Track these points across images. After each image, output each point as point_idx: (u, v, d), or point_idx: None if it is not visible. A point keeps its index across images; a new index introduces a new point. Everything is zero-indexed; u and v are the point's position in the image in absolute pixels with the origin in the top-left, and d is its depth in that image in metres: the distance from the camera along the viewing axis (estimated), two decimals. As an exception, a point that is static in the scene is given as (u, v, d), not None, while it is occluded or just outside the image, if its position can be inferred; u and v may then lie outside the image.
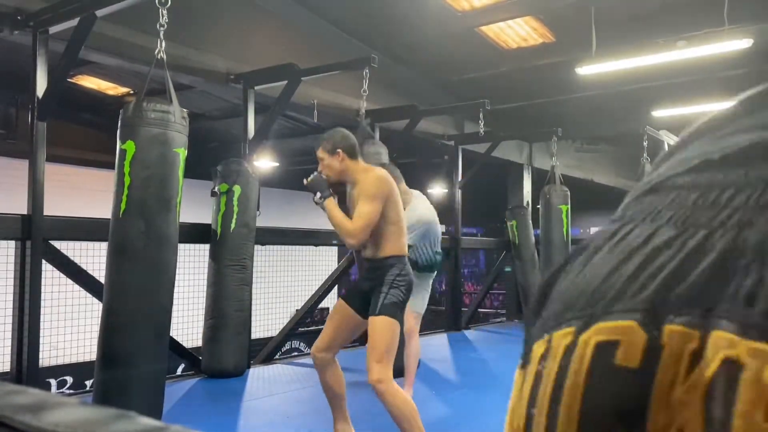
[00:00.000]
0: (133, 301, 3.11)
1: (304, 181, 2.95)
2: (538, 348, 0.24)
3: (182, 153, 3.27)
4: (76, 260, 4.25)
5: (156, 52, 3.24)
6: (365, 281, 2.91)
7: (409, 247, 4.21)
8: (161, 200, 3.17)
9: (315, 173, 2.93)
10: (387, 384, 2.71)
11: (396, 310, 2.77)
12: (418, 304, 4.19)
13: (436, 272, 4.41)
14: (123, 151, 3.10)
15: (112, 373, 3.04)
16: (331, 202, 2.83)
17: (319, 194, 2.86)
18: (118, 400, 3.02)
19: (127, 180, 3.09)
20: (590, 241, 0.26)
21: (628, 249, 0.23)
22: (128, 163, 3.09)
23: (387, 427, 3.53)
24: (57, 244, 4.03)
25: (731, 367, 0.19)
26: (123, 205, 3.09)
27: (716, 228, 0.21)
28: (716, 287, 0.20)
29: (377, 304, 2.76)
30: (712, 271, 0.20)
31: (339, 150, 2.87)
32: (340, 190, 2.97)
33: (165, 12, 3.17)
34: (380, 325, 2.74)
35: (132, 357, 3.06)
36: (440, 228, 4.46)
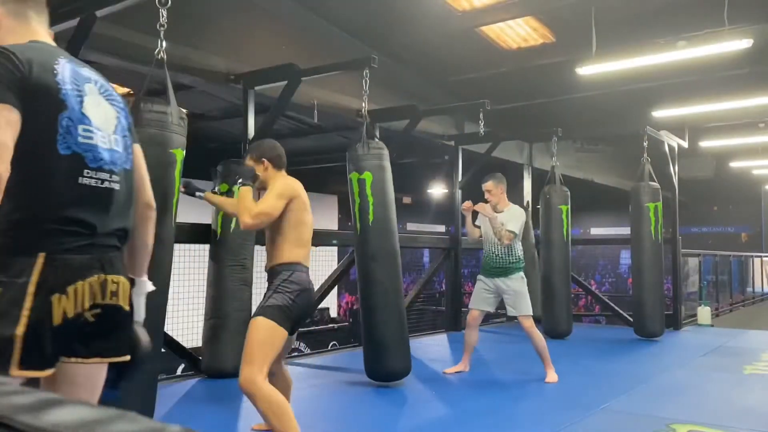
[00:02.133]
0: None
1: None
2: None
3: (179, 154, 3.26)
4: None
5: (156, 52, 3.23)
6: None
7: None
8: (156, 201, 3.16)
9: (248, 164, 3.03)
10: (254, 386, 2.65)
11: (275, 313, 2.69)
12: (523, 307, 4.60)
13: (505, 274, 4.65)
14: None
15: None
16: (248, 190, 2.88)
17: (240, 179, 2.93)
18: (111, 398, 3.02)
19: None
20: None
21: None
22: None
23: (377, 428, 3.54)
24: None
25: None
26: None
27: None
28: None
29: (258, 306, 2.77)
30: None
31: (264, 159, 2.99)
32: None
33: (165, 12, 3.16)
34: (254, 326, 2.71)
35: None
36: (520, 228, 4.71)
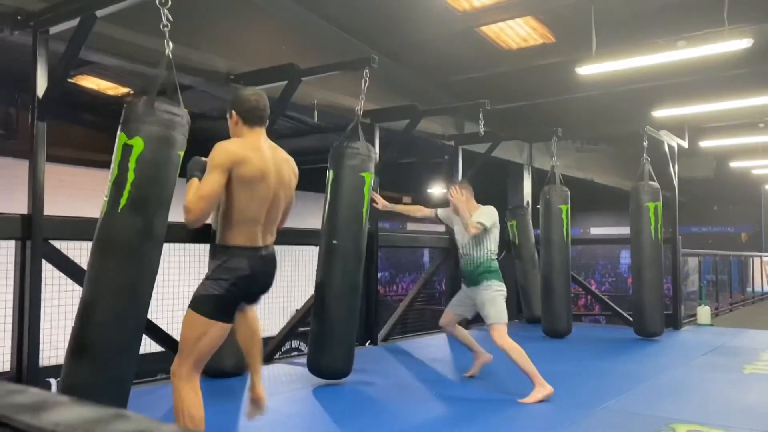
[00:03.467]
0: (116, 299, 3.09)
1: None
2: None
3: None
4: (76, 260, 4.25)
5: (166, 53, 3.22)
6: None
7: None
8: (161, 200, 3.17)
9: (195, 156, 2.75)
10: (178, 379, 2.54)
11: (205, 304, 2.50)
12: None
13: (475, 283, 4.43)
14: (129, 147, 3.05)
15: (82, 364, 3.04)
16: (195, 181, 2.57)
17: (189, 174, 2.65)
18: (83, 392, 3.01)
19: (130, 176, 3.06)
20: None
21: None
22: (134, 160, 3.05)
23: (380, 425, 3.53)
24: (57, 244, 4.03)
25: None
26: (123, 201, 3.06)
27: None
28: None
29: (194, 292, 2.56)
30: None
31: (233, 111, 2.70)
32: None
33: (167, 12, 3.16)
34: (185, 319, 2.55)
35: (105, 350, 3.05)
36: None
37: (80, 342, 3.05)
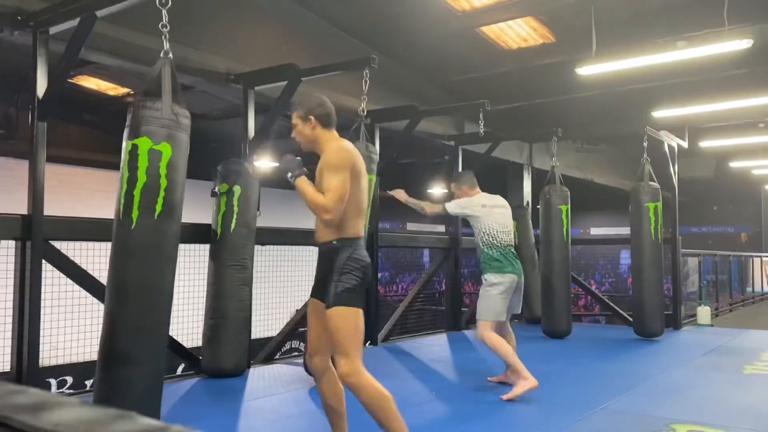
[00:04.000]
0: (149, 304, 3.09)
1: (277, 164, 2.82)
2: None
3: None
4: (76, 260, 4.25)
5: (162, 53, 3.21)
6: (319, 268, 2.79)
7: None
8: (180, 204, 3.19)
9: (288, 155, 2.81)
10: (355, 377, 2.57)
11: (351, 297, 2.61)
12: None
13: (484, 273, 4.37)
14: (157, 153, 3.03)
15: (113, 373, 3.04)
16: (303, 180, 2.68)
17: (289, 173, 2.72)
18: (117, 401, 3.01)
19: (163, 182, 3.05)
20: None
21: None
22: (164, 166, 3.05)
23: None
24: (57, 244, 4.03)
25: None
26: (159, 208, 3.05)
27: None
28: None
29: (330, 294, 2.62)
30: None
31: (312, 117, 2.77)
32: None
33: (166, 13, 3.16)
34: (336, 317, 2.60)
35: (130, 358, 3.05)
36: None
37: (114, 352, 3.04)
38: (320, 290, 2.75)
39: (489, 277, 4.27)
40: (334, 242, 2.70)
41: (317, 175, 2.74)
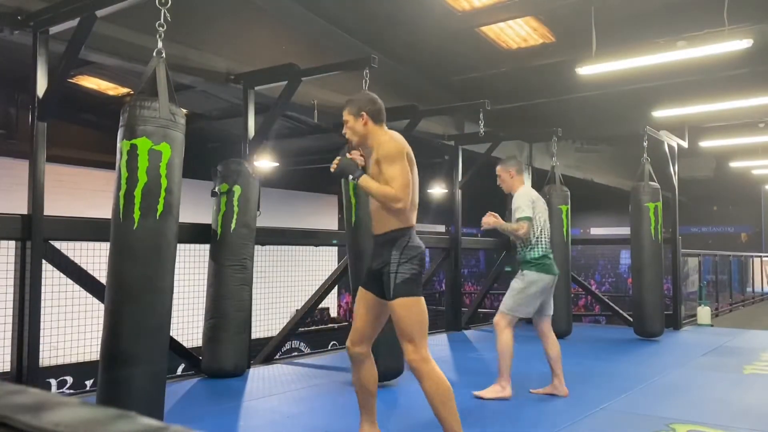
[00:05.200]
0: (150, 303, 3.09)
1: (331, 169, 2.88)
2: None
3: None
4: (76, 260, 4.25)
5: (155, 51, 3.21)
6: (375, 260, 2.82)
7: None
8: (178, 204, 3.19)
9: (339, 156, 2.88)
10: (421, 362, 2.62)
11: (411, 287, 2.67)
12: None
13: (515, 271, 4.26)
14: (157, 153, 3.04)
15: (115, 373, 3.04)
16: (366, 179, 2.76)
17: (351, 176, 2.79)
18: (120, 401, 3.01)
19: (164, 182, 3.06)
20: None
21: None
22: (164, 166, 3.06)
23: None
24: (57, 244, 4.03)
25: None
26: (161, 208, 3.06)
27: None
28: None
29: (390, 286, 2.68)
30: None
31: (364, 113, 2.83)
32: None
33: (166, 12, 3.16)
34: (399, 308, 2.65)
35: (134, 358, 3.05)
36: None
37: (116, 352, 3.04)
38: (373, 282, 2.81)
39: (530, 275, 4.10)
40: (390, 233, 2.75)
41: (372, 168, 2.80)
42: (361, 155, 2.96)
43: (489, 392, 4.06)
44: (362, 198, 4.32)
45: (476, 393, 4.06)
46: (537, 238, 4.17)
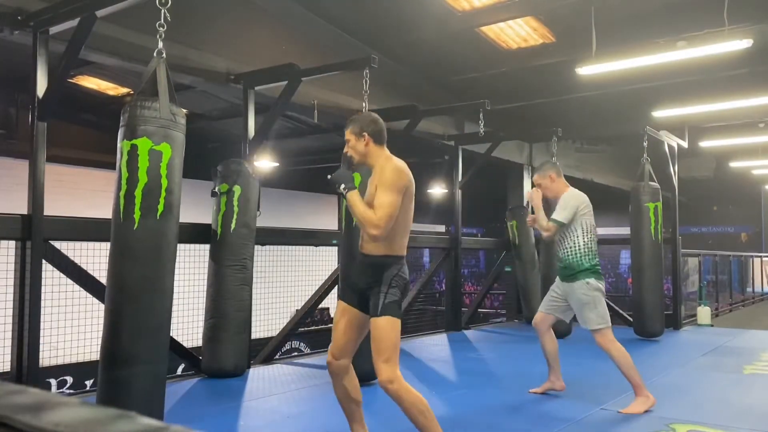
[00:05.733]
0: (150, 303, 3.09)
1: (329, 176, 2.91)
2: None
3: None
4: (76, 260, 4.25)
5: (156, 51, 3.21)
6: (361, 277, 2.86)
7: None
8: (178, 204, 3.19)
9: (339, 168, 2.92)
10: (397, 383, 2.68)
11: (397, 309, 2.76)
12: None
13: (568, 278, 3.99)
14: (157, 153, 3.04)
15: (115, 373, 3.04)
16: (355, 194, 2.79)
17: (343, 185, 2.82)
18: (120, 401, 3.01)
19: (164, 182, 3.06)
20: None
21: None
22: (165, 166, 3.06)
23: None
24: (57, 244, 4.03)
25: None
26: (161, 208, 3.06)
27: None
28: None
29: (378, 304, 2.73)
30: None
31: (365, 133, 2.87)
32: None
33: (166, 12, 3.16)
34: (384, 326, 2.71)
35: (133, 358, 3.05)
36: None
37: (116, 352, 3.04)
38: (358, 298, 2.85)
39: (594, 282, 3.88)
40: (385, 257, 2.80)
41: (369, 187, 2.86)
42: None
43: (634, 407, 3.76)
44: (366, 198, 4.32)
45: (623, 410, 3.75)
46: (593, 243, 4.01)
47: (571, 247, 3.96)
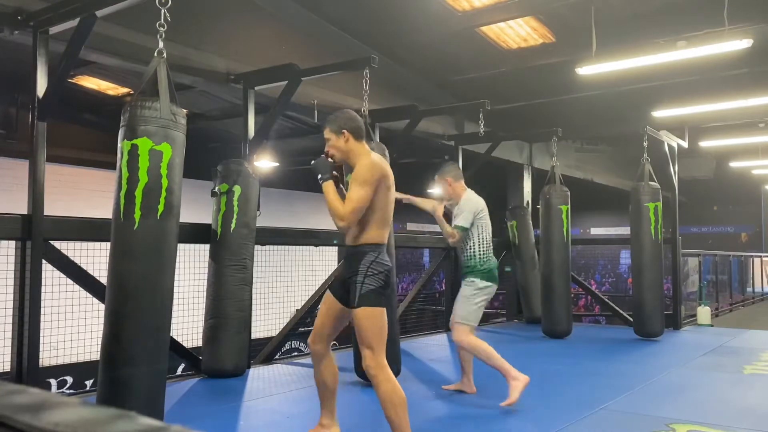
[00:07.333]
0: (151, 303, 3.10)
1: (312, 162, 3.01)
2: None
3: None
4: (76, 260, 4.25)
5: (156, 51, 3.21)
6: (343, 268, 2.97)
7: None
8: (179, 204, 3.19)
9: (321, 156, 2.99)
10: (378, 369, 2.76)
11: (375, 297, 2.80)
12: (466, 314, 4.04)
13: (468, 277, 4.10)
14: (158, 153, 3.04)
15: (115, 373, 3.04)
16: (329, 185, 2.89)
17: (320, 175, 2.91)
18: (120, 401, 3.01)
19: (164, 182, 3.06)
20: None
21: None
22: (165, 166, 3.06)
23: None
24: (57, 244, 4.03)
25: None
26: (161, 208, 3.06)
27: None
28: None
29: (355, 294, 2.81)
30: None
31: (345, 130, 2.92)
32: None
33: (166, 12, 3.16)
34: (362, 316, 2.79)
35: (134, 358, 3.05)
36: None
37: (116, 352, 3.04)
38: (340, 288, 2.97)
39: (478, 282, 4.02)
40: (360, 246, 2.87)
41: (350, 183, 2.92)
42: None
43: (514, 394, 3.83)
44: None
45: (504, 404, 3.81)
46: (488, 245, 4.13)
47: (468, 250, 4.11)
